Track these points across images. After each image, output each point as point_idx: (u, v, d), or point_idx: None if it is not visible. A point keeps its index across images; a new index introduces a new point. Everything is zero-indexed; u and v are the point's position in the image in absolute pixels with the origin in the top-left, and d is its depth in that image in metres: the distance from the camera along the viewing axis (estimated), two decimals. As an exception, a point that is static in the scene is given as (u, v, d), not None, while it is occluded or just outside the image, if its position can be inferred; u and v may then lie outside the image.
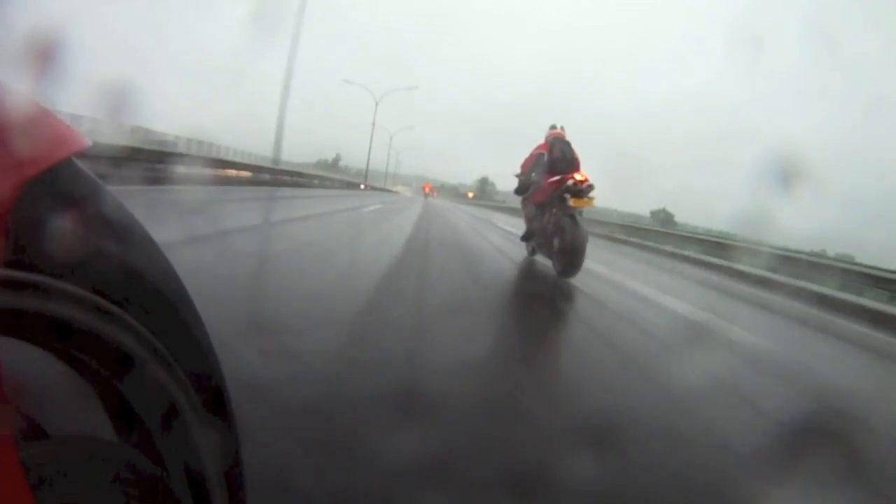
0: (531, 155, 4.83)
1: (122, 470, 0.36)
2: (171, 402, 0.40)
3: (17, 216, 0.30)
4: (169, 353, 0.40)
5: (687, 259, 9.06)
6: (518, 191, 5.05)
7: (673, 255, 9.55)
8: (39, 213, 0.32)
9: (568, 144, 4.53)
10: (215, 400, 0.45)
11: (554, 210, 4.24)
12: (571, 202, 4.06)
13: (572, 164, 4.39)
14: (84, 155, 0.36)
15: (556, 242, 4.12)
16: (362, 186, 32.59)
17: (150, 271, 0.41)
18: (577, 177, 4.07)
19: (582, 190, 4.04)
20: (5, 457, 0.28)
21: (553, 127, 4.75)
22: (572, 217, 3.99)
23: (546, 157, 4.53)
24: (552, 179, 4.28)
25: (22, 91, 0.32)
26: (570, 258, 3.90)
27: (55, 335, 0.34)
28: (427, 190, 33.84)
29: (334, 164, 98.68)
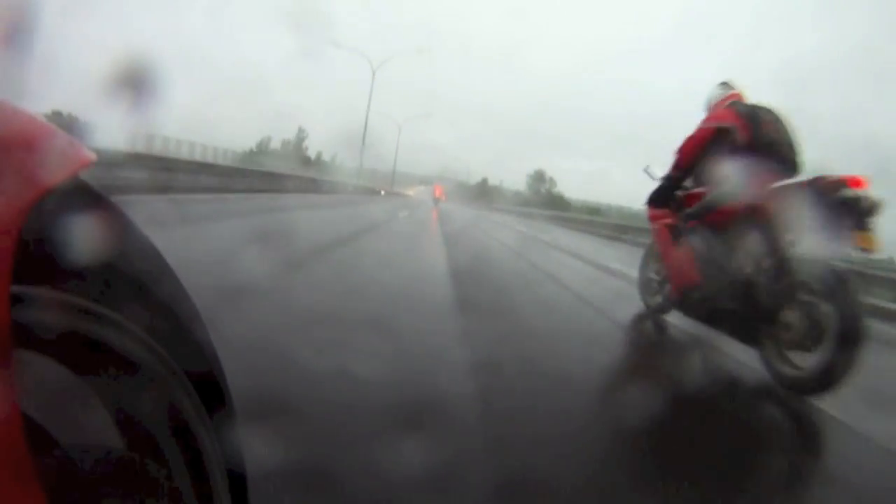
0: (698, 134, 2.56)
1: (130, 475, 0.37)
2: (175, 407, 0.42)
3: (27, 233, 0.31)
4: (172, 360, 0.42)
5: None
6: (657, 199, 2.78)
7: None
8: (48, 229, 0.33)
9: (774, 115, 2.42)
10: (218, 402, 0.47)
11: (774, 245, 2.10)
12: (856, 238, 1.88)
13: (792, 153, 2.36)
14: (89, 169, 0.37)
15: (792, 319, 1.97)
16: (382, 192, 31.82)
17: (155, 280, 0.42)
18: (852, 179, 1.93)
19: (872, 208, 1.89)
20: (19, 466, 0.29)
21: (724, 85, 2.66)
22: (832, 269, 1.89)
23: (737, 138, 2.34)
24: (784, 183, 2.16)
25: (27, 110, 0.33)
26: (834, 354, 1.78)
27: (65, 346, 0.35)
28: (438, 193, 33.02)
29: (296, 151, 51.21)
